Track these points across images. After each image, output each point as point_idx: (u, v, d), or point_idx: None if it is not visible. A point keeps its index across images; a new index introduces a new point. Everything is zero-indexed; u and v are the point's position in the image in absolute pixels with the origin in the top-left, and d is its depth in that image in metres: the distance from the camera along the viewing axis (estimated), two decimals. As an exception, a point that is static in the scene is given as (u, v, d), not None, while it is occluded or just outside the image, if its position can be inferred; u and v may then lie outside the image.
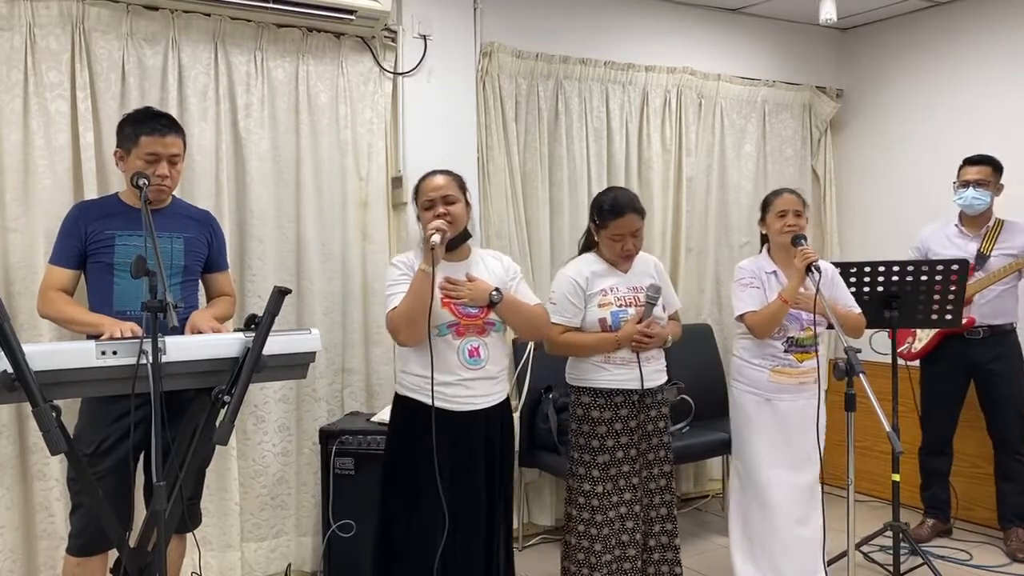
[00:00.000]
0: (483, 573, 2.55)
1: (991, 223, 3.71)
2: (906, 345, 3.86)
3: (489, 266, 2.64)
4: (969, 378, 3.75)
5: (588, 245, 2.96)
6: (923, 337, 3.79)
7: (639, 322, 2.76)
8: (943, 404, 3.79)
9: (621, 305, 2.79)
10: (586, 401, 2.82)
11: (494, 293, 2.50)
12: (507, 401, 2.66)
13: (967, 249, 3.68)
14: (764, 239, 3.15)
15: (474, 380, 2.50)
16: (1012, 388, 3.66)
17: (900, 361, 3.60)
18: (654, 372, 2.85)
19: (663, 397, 2.91)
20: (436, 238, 2.37)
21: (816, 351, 3.01)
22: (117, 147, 2.48)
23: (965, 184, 3.67)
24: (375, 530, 2.59)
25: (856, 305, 3.10)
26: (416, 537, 2.47)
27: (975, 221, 3.72)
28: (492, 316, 2.52)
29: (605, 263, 2.87)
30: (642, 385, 2.78)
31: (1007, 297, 3.67)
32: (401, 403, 2.57)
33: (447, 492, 2.42)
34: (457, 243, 2.56)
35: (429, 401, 2.44)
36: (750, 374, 3.04)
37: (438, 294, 2.44)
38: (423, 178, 2.60)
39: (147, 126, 2.42)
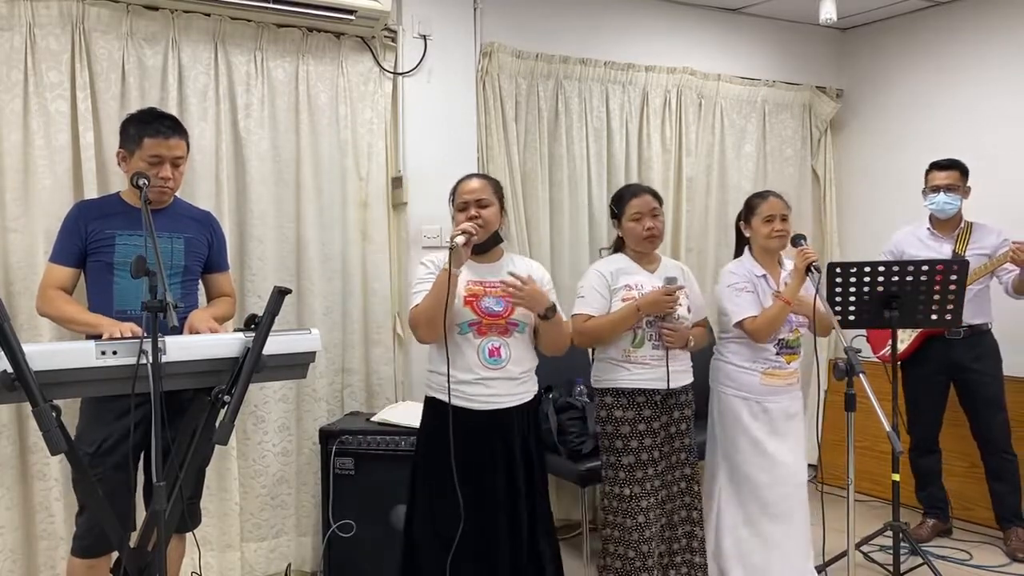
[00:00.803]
0: (519, 571, 2.54)
1: (962, 225, 3.75)
2: (887, 347, 3.87)
3: (520, 271, 2.63)
4: (951, 378, 3.77)
5: (616, 249, 3.00)
6: (905, 339, 3.80)
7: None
8: (928, 404, 3.81)
9: None
10: (609, 402, 2.82)
11: (549, 310, 2.51)
12: (535, 400, 2.66)
13: (942, 251, 3.72)
14: (742, 241, 3.16)
15: (494, 380, 2.51)
16: (994, 387, 3.69)
17: (878, 361, 3.61)
18: (679, 372, 2.85)
19: (688, 398, 2.92)
20: (460, 239, 2.39)
21: (800, 352, 3.02)
22: (120, 147, 2.48)
23: (935, 189, 3.71)
24: (403, 530, 2.61)
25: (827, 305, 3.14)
26: (435, 534, 2.48)
27: (947, 224, 3.76)
28: (515, 317, 2.53)
29: (632, 262, 2.90)
30: (668, 384, 2.79)
31: (983, 297, 3.70)
32: (429, 403, 2.59)
33: (468, 491, 2.44)
34: (488, 246, 2.59)
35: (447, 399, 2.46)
36: (741, 378, 3.03)
37: (461, 292, 2.48)
38: (460, 180, 2.63)
39: (151, 127, 2.42)
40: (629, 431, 2.79)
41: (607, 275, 2.84)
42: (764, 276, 3.03)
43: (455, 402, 2.47)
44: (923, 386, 3.80)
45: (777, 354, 3.00)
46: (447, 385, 2.45)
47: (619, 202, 2.91)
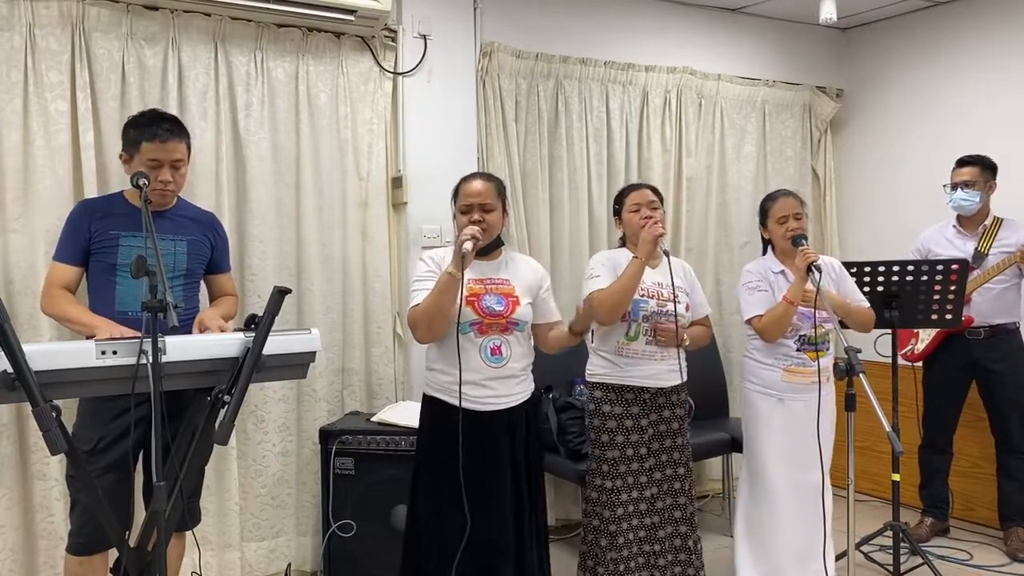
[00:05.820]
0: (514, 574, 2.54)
1: (988, 221, 3.71)
2: (909, 347, 3.86)
3: (520, 269, 2.64)
4: (971, 377, 3.75)
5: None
6: (925, 338, 3.79)
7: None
8: (945, 403, 3.79)
9: (643, 296, 2.80)
10: (598, 396, 2.85)
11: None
12: (532, 399, 2.66)
13: (965, 249, 3.68)
14: (767, 242, 3.16)
15: (495, 380, 2.50)
16: (1014, 388, 3.65)
17: (903, 362, 3.58)
18: (670, 372, 2.85)
19: (679, 398, 2.92)
20: (468, 245, 2.38)
21: (828, 349, 2.99)
22: (122, 150, 2.48)
23: (955, 186, 3.69)
24: (404, 533, 2.59)
25: (864, 300, 3.11)
26: (441, 537, 2.47)
27: (971, 221, 3.73)
28: (515, 316, 2.52)
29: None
30: (659, 383, 2.82)
31: (1007, 296, 3.66)
32: (429, 403, 2.57)
33: (475, 495, 2.42)
34: (489, 249, 2.59)
35: (455, 402, 2.45)
36: (762, 374, 3.03)
37: (463, 292, 2.44)
38: (463, 180, 2.61)
39: (148, 132, 2.41)
40: (616, 426, 2.81)
41: (609, 263, 2.84)
42: (782, 272, 3.03)
43: (462, 405, 2.45)
44: (942, 385, 3.78)
45: (798, 350, 2.98)
46: (458, 388, 2.42)
47: (620, 198, 2.98)
